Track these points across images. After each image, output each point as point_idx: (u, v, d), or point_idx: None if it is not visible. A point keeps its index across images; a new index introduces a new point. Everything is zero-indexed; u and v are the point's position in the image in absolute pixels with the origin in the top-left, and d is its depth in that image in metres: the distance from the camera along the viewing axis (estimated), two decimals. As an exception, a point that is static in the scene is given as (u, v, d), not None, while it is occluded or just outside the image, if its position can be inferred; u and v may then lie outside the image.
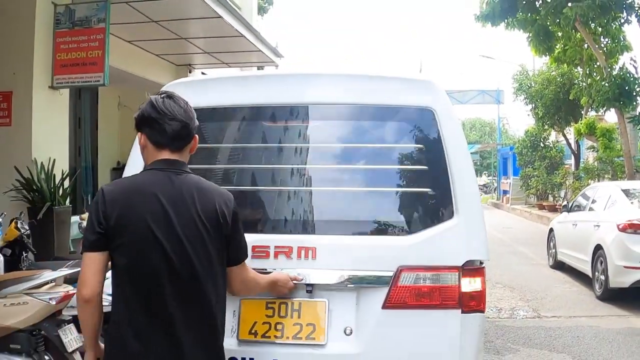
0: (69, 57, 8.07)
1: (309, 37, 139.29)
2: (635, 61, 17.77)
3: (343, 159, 3.73)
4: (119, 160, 14.43)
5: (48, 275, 4.47)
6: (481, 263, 3.44)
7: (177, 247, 2.57)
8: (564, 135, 28.51)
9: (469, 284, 3.37)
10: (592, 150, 23.82)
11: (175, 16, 10.25)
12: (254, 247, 3.30)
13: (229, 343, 3.23)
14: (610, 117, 24.26)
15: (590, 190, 12.36)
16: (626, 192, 10.48)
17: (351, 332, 3.36)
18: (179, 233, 2.58)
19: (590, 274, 10.42)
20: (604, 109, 19.12)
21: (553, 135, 30.68)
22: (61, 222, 7.55)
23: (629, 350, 7.19)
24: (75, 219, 8.10)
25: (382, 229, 3.53)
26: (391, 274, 3.35)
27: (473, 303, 3.38)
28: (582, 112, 24.78)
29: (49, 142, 7.97)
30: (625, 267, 9.16)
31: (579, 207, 12.04)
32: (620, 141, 22.14)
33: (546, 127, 28.28)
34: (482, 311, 3.44)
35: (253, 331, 3.38)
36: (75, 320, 4.28)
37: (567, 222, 12.13)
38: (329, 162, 3.73)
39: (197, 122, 2.82)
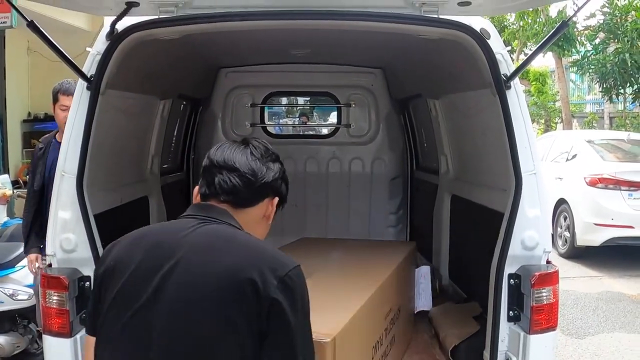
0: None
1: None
2: (576, 4, 17.27)
3: None
4: (29, 112, 13.01)
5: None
6: None
7: None
8: (493, 79, 28.26)
9: None
10: (525, 94, 23.63)
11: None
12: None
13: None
14: (535, 61, 24.05)
15: (546, 139, 11.61)
16: (591, 143, 9.80)
17: None
18: None
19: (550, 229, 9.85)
20: (543, 53, 18.72)
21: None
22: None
23: (618, 320, 6.66)
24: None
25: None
26: None
27: None
28: (513, 57, 24.45)
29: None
30: (596, 224, 8.60)
31: (534, 158, 11.39)
32: (550, 85, 22.03)
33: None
34: None
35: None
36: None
37: (519, 173, 11.47)
38: None
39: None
